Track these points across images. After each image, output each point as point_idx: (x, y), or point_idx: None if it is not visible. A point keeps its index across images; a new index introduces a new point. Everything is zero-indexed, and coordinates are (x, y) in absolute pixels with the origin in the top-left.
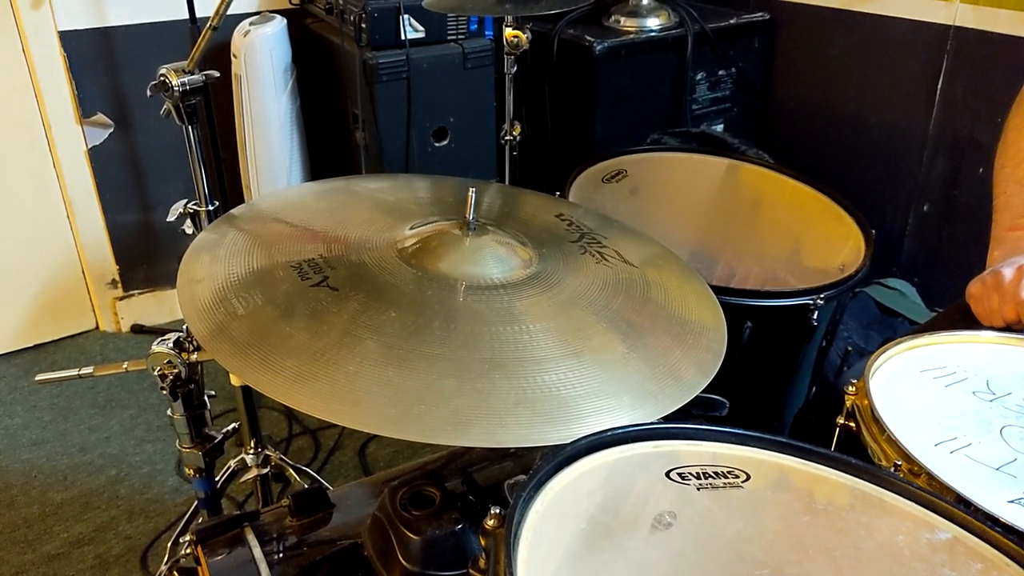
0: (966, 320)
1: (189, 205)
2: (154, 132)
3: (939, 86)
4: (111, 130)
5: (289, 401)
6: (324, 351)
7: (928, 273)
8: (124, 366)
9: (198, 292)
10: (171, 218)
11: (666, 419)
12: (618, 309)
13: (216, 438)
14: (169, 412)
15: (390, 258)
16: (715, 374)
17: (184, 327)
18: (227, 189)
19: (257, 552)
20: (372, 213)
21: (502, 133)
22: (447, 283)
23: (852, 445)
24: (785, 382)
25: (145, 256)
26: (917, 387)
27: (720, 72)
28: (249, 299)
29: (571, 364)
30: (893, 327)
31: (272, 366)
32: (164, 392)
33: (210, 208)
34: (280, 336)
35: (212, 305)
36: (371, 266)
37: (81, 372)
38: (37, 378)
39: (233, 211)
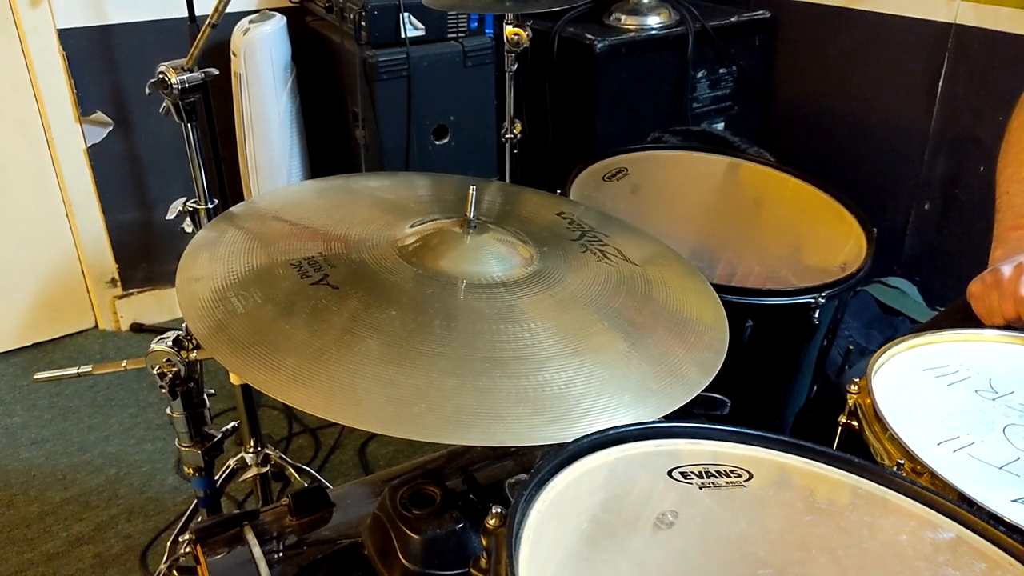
0: (968, 319)
1: (188, 203)
2: (154, 131)
3: (940, 84)
4: (110, 129)
5: (289, 400)
6: (324, 350)
7: (929, 271)
8: (123, 364)
9: (197, 290)
10: (170, 216)
11: (667, 418)
12: (619, 307)
13: (215, 437)
14: (168, 411)
15: (390, 256)
16: (717, 373)
17: (183, 325)
18: (226, 187)
19: (256, 551)
20: (372, 211)
21: (502, 131)
22: (448, 281)
23: (854, 444)
24: (786, 381)
25: (144, 255)
26: (920, 386)
27: (721, 70)
28: (248, 297)
29: (572, 363)
30: (894, 326)
31: (272, 365)
32: (163, 391)
33: (209, 206)
34: (280, 334)
35: (211, 303)
36: (371, 264)
37: (80, 371)
38: (35, 376)
39: (232, 209)
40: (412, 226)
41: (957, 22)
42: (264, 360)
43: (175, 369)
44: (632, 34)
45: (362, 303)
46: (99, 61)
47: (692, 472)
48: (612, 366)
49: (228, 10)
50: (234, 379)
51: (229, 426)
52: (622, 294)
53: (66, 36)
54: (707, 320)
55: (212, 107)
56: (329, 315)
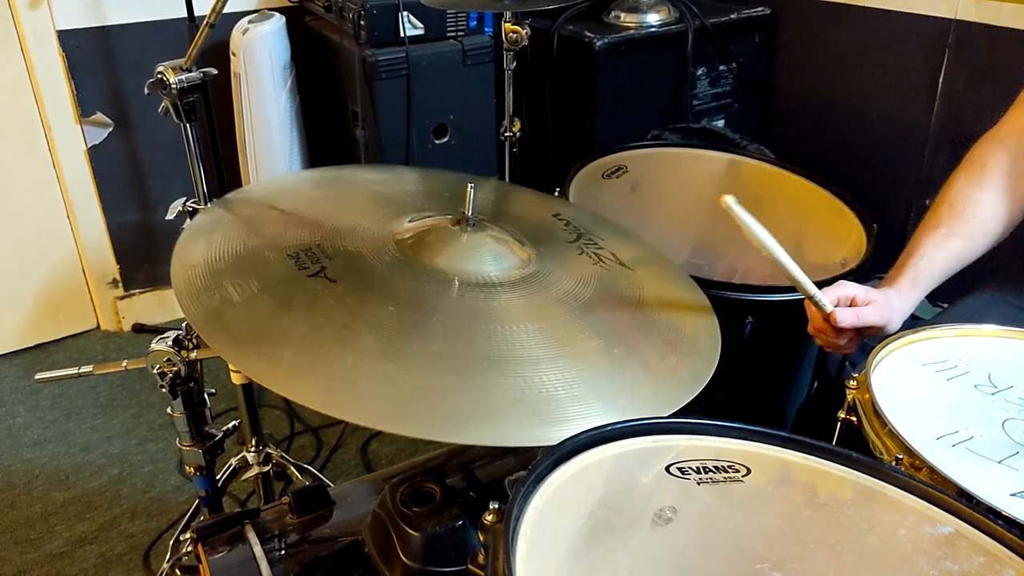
0: (969, 316)
1: (188, 203)
2: (154, 131)
3: (941, 80)
4: (111, 129)
5: (287, 393)
6: (322, 344)
7: None
8: (123, 364)
9: (192, 276)
10: (170, 216)
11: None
12: (613, 311)
13: (216, 436)
14: (169, 410)
15: (388, 251)
16: (709, 379)
17: (184, 325)
18: (227, 187)
19: (258, 550)
20: (370, 204)
21: (502, 130)
22: (445, 279)
23: (854, 439)
24: (786, 377)
25: (146, 255)
26: (919, 381)
27: (721, 67)
28: (245, 287)
29: (566, 365)
30: None
31: (270, 357)
32: (164, 390)
33: (209, 206)
34: (278, 327)
35: (207, 290)
36: (368, 258)
37: (81, 371)
38: (37, 377)
39: (228, 196)
40: (410, 221)
41: (958, 18)
42: (262, 352)
43: (175, 368)
44: (631, 32)
45: (360, 298)
46: (99, 62)
47: (690, 468)
48: (605, 369)
49: (227, 10)
50: (235, 378)
51: (230, 425)
52: (617, 298)
53: (66, 37)
54: (699, 325)
55: (212, 107)
56: (327, 309)
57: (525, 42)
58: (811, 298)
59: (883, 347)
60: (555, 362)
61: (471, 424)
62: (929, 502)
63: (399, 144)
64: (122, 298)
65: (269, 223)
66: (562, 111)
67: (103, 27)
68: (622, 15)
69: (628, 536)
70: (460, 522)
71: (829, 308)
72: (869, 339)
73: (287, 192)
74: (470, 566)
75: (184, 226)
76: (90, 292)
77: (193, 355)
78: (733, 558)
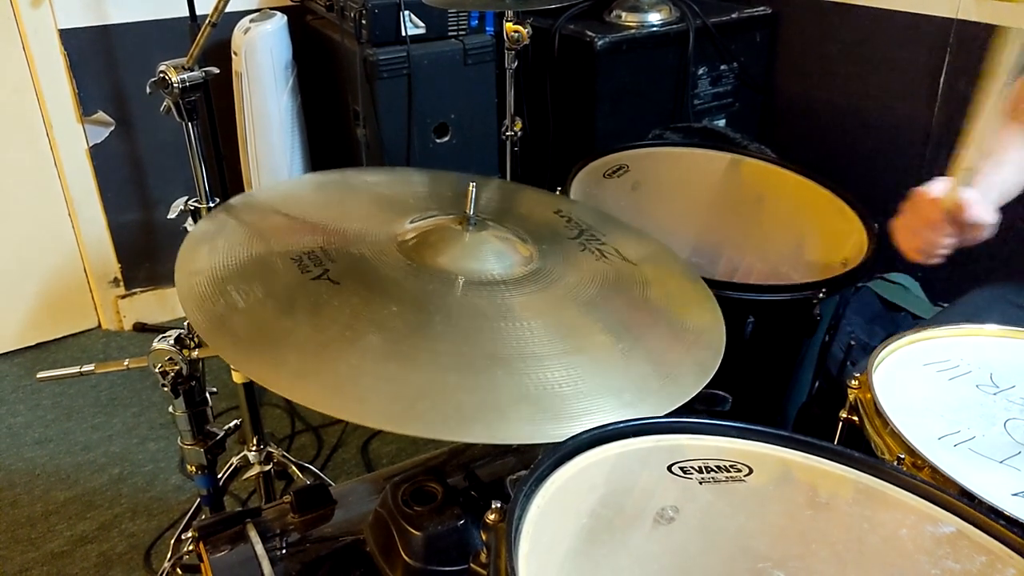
0: (971, 316)
1: (190, 202)
2: (156, 130)
3: (942, 79)
4: (112, 128)
5: (292, 396)
6: (326, 345)
7: (931, 267)
8: (125, 363)
9: (197, 284)
10: (172, 215)
11: (668, 414)
12: (618, 307)
13: (218, 435)
14: (171, 409)
15: (390, 252)
16: (715, 372)
17: (185, 324)
18: (228, 186)
19: (259, 548)
20: (372, 207)
21: (503, 129)
22: (448, 278)
23: (855, 439)
24: (788, 376)
25: (147, 254)
26: (920, 380)
27: (722, 67)
28: (249, 292)
29: (571, 361)
30: (896, 322)
31: (274, 360)
32: (165, 389)
33: (210, 205)
34: (282, 330)
35: (211, 297)
36: (371, 260)
37: (83, 369)
38: (38, 375)
39: (231, 201)
40: (412, 222)
41: (959, 17)
42: (267, 356)
43: (177, 367)
44: (633, 31)
45: (363, 299)
46: (100, 61)
47: (692, 467)
48: (611, 365)
49: (229, 9)
50: (236, 377)
51: (231, 424)
52: (620, 293)
53: (67, 36)
54: (705, 319)
55: (213, 106)
56: (330, 311)
57: (526, 41)
58: (959, 175)
59: (884, 346)
60: (559, 358)
61: (478, 422)
62: (931, 502)
63: (400, 143)
64: (123, 297)
65: (272, 228)
66: (563, 110)
67: (105, 26)
68: (623, 14)
69: (629, 535)
70: (462, 521)
71: (967, 194)
72: (958, 248)
73: (289, 197)
74: (472, 565)
75: (186, 224)
76: (91, 291)
77: (195, 354)
78: (735, 557)
